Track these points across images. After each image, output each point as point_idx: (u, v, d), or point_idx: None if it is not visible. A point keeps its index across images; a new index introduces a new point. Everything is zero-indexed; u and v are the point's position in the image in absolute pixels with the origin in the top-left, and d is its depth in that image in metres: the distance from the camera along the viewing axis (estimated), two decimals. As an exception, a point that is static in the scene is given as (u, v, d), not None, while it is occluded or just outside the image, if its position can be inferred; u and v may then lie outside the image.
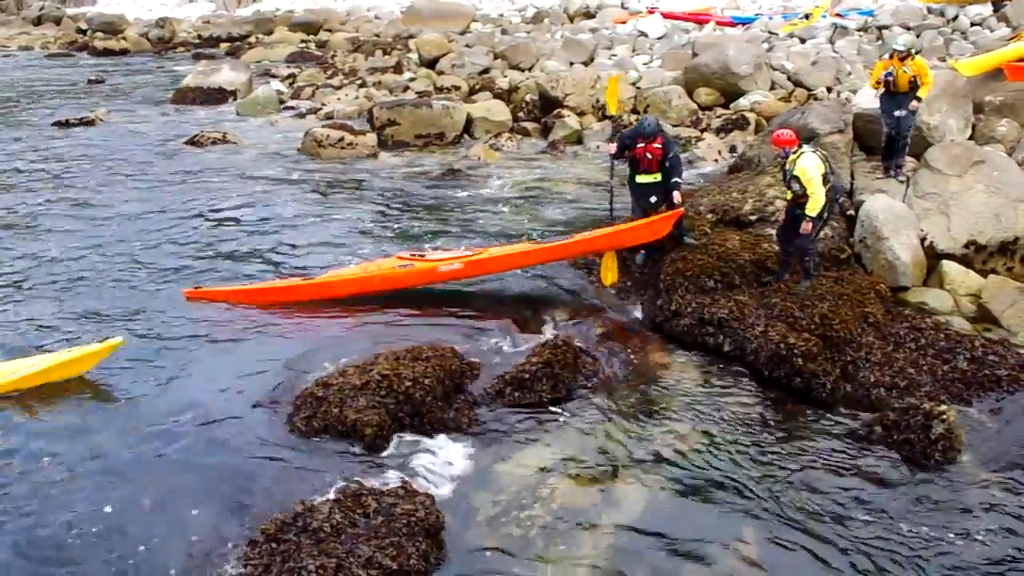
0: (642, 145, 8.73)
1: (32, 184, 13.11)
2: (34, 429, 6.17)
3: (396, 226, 11.23)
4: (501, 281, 9.16)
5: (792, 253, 8.15)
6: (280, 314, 8.18)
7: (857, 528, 5.41)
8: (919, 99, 9.58)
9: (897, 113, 9.59)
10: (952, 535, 5.38)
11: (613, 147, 9.10)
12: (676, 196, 8.67)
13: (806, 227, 7.80)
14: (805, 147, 7.87)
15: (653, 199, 8.78)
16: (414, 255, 8.72)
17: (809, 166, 7.64)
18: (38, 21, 38.96)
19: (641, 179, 8.84)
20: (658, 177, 8.74)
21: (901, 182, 9.52)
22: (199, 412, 6.43)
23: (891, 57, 9.72)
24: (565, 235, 9.04)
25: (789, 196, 7.99)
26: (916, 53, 9.98)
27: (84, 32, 35.20)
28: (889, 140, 9.73)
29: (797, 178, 7.72)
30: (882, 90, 9.69)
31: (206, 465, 5.77)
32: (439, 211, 11.97)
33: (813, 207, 7.68)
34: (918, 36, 21.28)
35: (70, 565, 4.88)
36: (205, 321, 8.00)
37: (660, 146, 8.71)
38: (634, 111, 17.71)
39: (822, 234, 8.78)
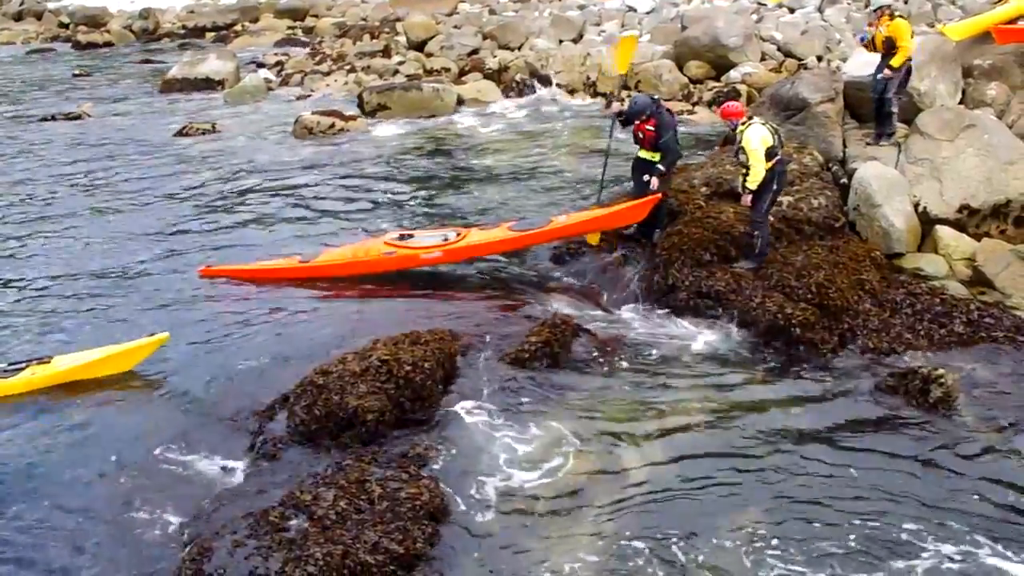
0: (638, 122, 8.69)
1: (22, 182, 13.02)
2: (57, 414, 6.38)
3: (389, 205, 11.37)
4: (497, 261, 9.19)
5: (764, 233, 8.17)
6: (281, 303, 8.23)
7: (864, 495, 5.45)
8: (891, 67, 9.38)
9: (878, 76, 9.61)
10: (952, 493, 5.43)
11: (616, 106, 9.00)
12: (653, 182, 8.59)
13: (745, 199, 7.90)
14: (755, 119, 7.98)
15: (646, 178, 8.71)
16: (403, 235, 8.93)
17: (753, 138, 7.72)
18: (19, 16, 38.32)
19: (642, 154, 8.80)
20: (656, 157, 8.66)
21: (882, 145, 9.50)
22: (200, 404, 6.49)
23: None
24: (544, 219, 9.06)
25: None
26: (897, 15, 9.64)
27: (67, 26, 34.70)
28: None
29: (743, 149, 7.82)
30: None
31: (209, 458, 5.82)
32: (431, 188, 12.03)
33: (752, 179, 7.76)
34: (906, 1, 21.19)
35: (78, 544, 5.06)
36: (209, 311, 8.06)
37: (653, 128, 8.61)
38: (625, 87, 17.64)
39: (816, 203, 8.80)
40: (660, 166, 8.59)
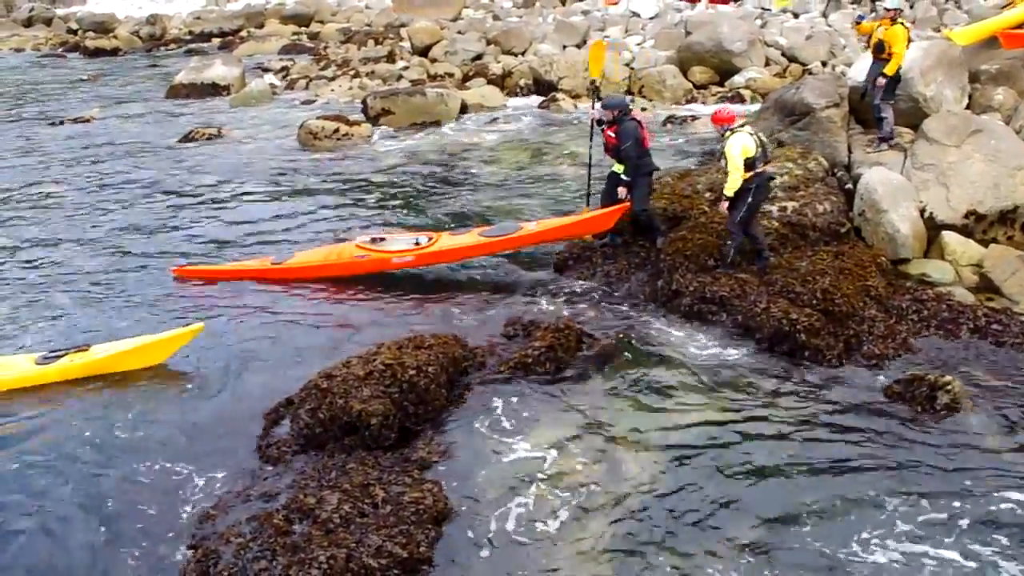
0: (603, 127, 8.73)
1: (33, 184, 13.09)
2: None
3: (389, 209, 11.43)
4: (501, 265, 9.20)
5: (758, 236, 8.15)
6: (284, 306, 8.26)
7: (870, 502, 5.41)
8: (885, 75, 9.38)
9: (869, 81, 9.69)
10: (959, 500, 5.39)
11: (594, 112, 8.99)
12: (621, 191, 8.64)
13: (722, 206, 7.91)
14: (745, 127, 7.94)
15: (620, 191, 8.67)
16: (375, 239, 9.06)
17: (734, 145, 7.71)
18: (29, 23, 38.61)
19: (615, 168, 8.79)
20: (620, 168, 8.65)
21: (881, 150, 9.47)
22: (205, 406, 6.51)
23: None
24: (514, 226, 9.17)
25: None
26: (899, 21, 9.55)
27: (75, 32, 34.90)
28: None
29: (724, 155, 7.82)
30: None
31: (214, 461, 5.82)
32: (431, 193, 12.05)
33: (728, 186, 7.76)
34: (912, 7, 21.18)
35: (82, 543, 5.09)
36: (211, 314, 8.05)
37: (614, 135, 8.59)
38: (629, 92, 17.70)
39: (821, 208, 8.78)
40: (623, 176, 8.60)
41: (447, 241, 8.92)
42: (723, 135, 7.93)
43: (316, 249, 9.37)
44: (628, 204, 8.62)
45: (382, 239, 9.05)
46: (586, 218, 8.85)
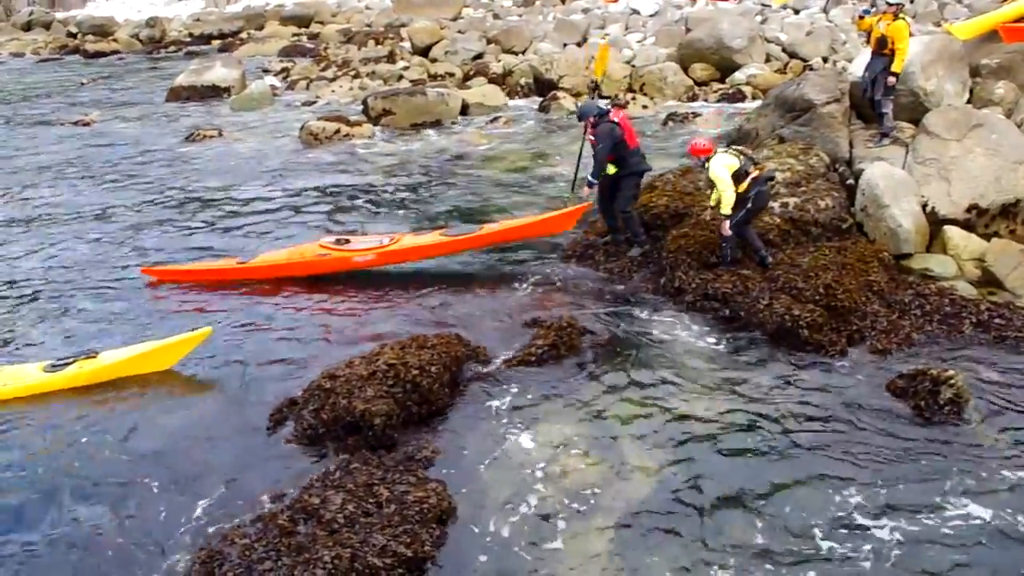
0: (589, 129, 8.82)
1: (29, 188, 13.12)
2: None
3: (388, 209, 11.47)
4: (503, 262, 9.22)
5: (752, 240, 8.16)
6: (282, 308, 8.27)
7: (873, 497, 5.41)
8: (895, 74, 9.35)
9: (866, 75, 9.68)
10: (962, 495, 5.38)
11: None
12: (584, 190, 8.77)
13: (723, 228, 7.93)
14: (718, 150, 8.01)
15: (585, 188, 8.84)
16: (339, 239, 9.18)
17: (717, 168, 7.78)
18: (28, 26, 38.76)
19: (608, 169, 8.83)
20: (611, 170, 8.66)
21: (882, 145, 9.45)
22: (208, 407, 6.52)
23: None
24: (475, 225, 9.31)
25: (712, 202, 8.22)
26: (901, 16, 9.50)
27: (74, 35, 35.01)
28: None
29: (711, 182, 7.92)
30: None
31: (217, 462, 5.82)
32: (430, 193, 12.08)
33: (724, 204, 7.82)
34: (912, 1, 21.14)
35: (85, 545, 5.07)
36: (213, 315, 8.06)
37: (592, 138, 8.67)
38: (630, 90, 17.71)
39: (823, 204, 8.77)
40: (590, 178, 8.65)
41: (409, 241, 9.04)
42: (703, 166, 8.01)
43: (281, 249, 9.46)
44: (587, 205, 8.80)
45: (346, 240, 9.18)
46: (545, 218, 9.02)
